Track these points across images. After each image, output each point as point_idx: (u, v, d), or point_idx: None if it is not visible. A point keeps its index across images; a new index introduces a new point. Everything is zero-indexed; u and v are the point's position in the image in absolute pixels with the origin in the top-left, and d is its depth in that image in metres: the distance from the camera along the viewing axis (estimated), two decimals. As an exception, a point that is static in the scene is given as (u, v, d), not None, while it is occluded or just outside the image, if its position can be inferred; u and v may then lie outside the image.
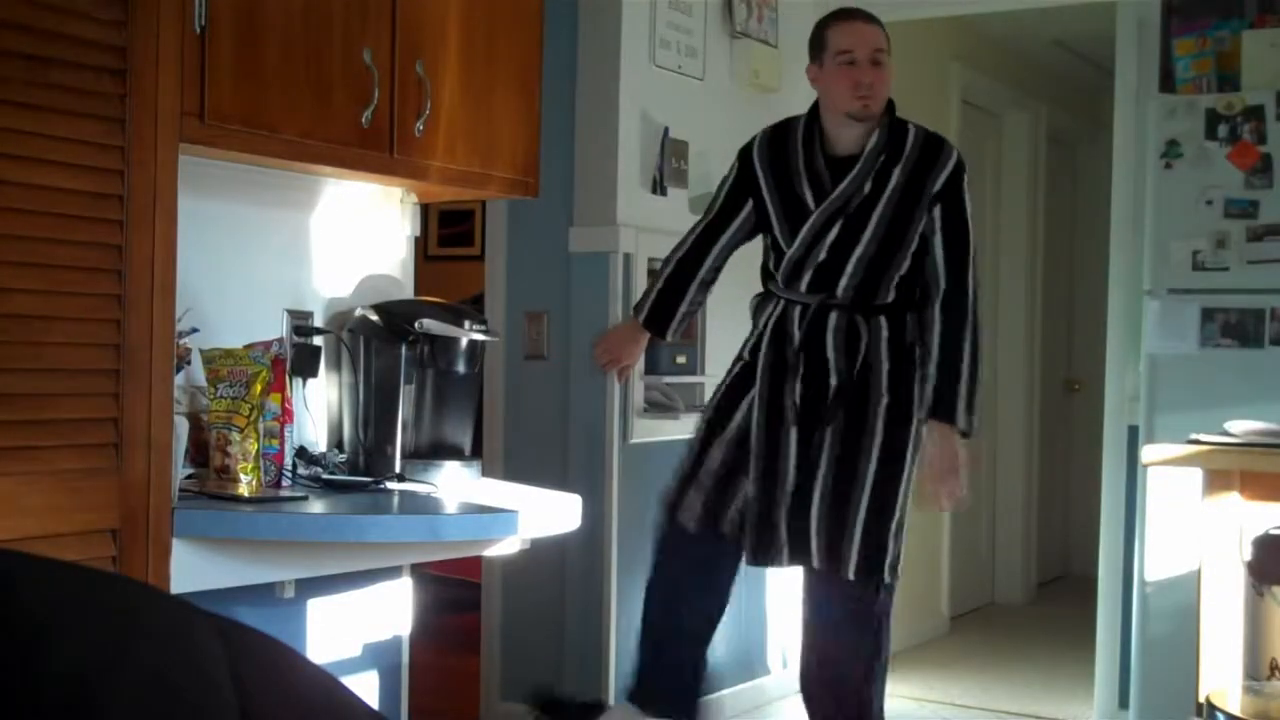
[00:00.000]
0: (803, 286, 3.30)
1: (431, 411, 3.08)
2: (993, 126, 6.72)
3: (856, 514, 3.25)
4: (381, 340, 3.02)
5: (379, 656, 3.22)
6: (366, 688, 3.19)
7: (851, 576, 3.25)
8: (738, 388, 3.38)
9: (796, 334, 3.29)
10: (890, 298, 3.29)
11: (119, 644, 0.73)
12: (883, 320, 3.27)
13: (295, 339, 2.95)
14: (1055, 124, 7.04)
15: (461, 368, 3.08)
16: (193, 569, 2.43)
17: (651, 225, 4.07)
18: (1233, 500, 3.04)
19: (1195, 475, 3.18)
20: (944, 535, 6.10)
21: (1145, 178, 4.10)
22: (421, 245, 3.78)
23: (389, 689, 3.25)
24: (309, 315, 3.04)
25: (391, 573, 3.21)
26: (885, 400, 3.27)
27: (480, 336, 3.09)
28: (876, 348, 3.26)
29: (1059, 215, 7.21)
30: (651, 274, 3.64)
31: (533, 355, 4.19)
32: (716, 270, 3.50)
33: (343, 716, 0.82)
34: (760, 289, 3.48)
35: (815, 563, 3.27)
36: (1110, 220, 4.52)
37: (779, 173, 3.36)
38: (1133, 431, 4.29)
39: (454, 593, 5.33)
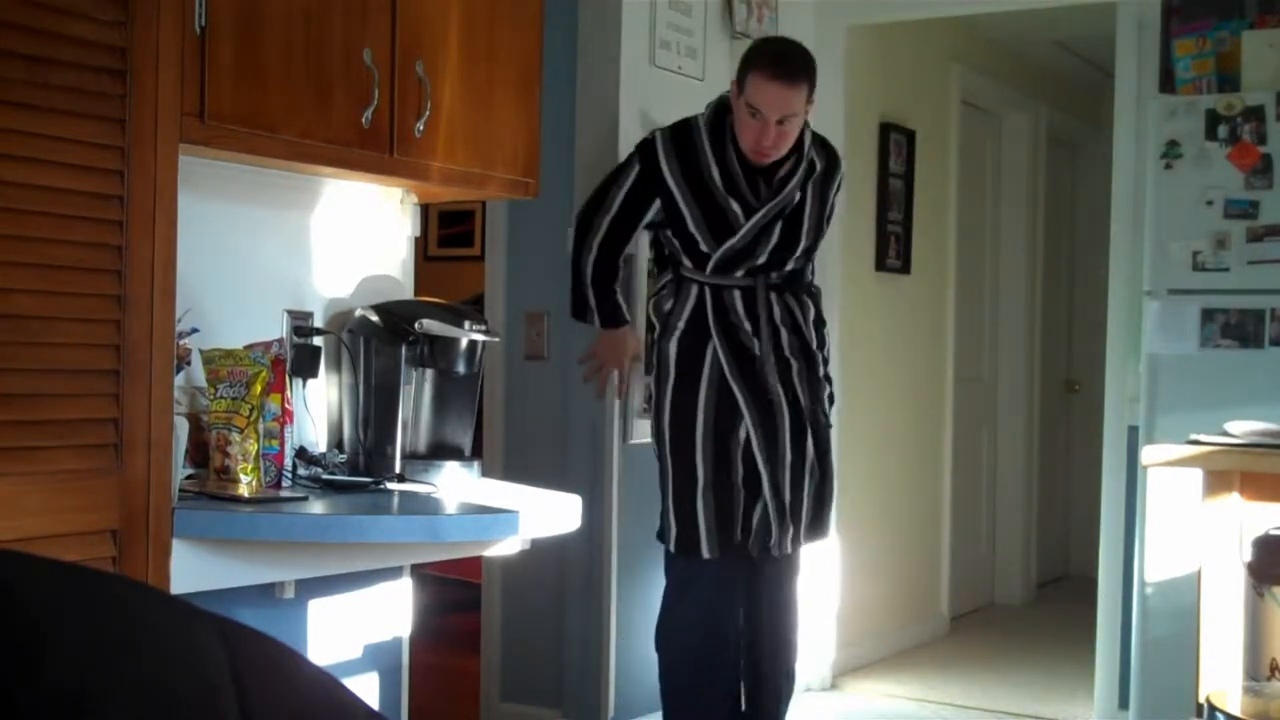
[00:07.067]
0: (739, 273, 3.49)
1: (431, 412, 3.08)
2: (993, 126, 6.72)
3: (822, 491, 3.58)
4: (381, 341, 3.02)
5: (379, 657, 3.22)
6: (366, 688, 3.19)
7: (803, 544, 3.56)
8: (686, 379, 3.48)
9: (740, 308, 3.47)
10: (806, 279, 3.60)
11: (118, 645, 0.73)
12: (807, 300, 3.57)
13: (295, 339, 2.95)
14: (1055, 124, 7.04)
15: (461, 368, 3.08)
16: (193, 569, 2.43)
17: (651, 225, 4.06)
18: (1233, 501, 3.04)
19: (1195, 476, 3.18)
20: (944, 535, 6.10)
21: (1145, 178, 4.10)
22: (421, 245, 3.78)
23: (389, 689, 3.25)
24: (309, 315, 3.04)
25: (391, 573, 3.21)
26: (828, 388, 3.59)
27: (480, 337, 3.09)
28: (808, 323, 3.55)
29: (1059, 215, 7.21)
30: (582, 283, 3.68)
31: (533, 355, 4.19)
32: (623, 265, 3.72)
33: (343, 717, 0.82)
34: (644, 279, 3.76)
35: (787, 549, 3.48)
36: (1110, 220, 4.52)
37: (690, 175, 3.48)
38: (1133, 432, 4.29)
39: (454, 593, 5.34)
